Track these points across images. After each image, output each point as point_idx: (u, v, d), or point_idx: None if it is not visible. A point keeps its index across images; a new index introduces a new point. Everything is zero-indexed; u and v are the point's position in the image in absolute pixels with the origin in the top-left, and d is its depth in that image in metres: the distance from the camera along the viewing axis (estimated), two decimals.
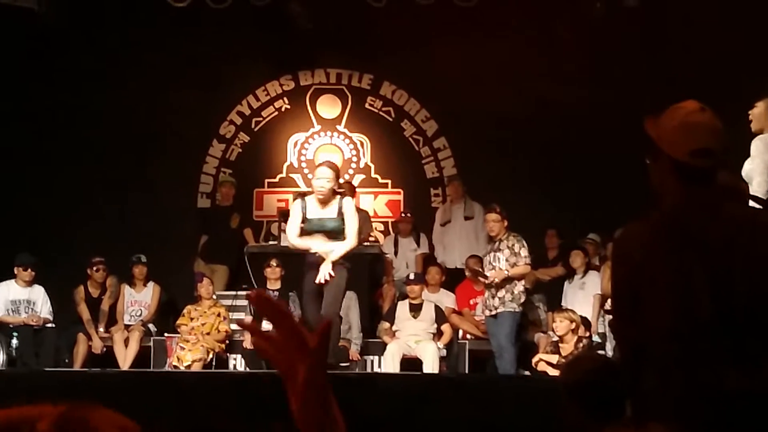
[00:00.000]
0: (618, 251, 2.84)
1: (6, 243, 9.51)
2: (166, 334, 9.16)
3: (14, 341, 8.59)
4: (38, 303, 9.10)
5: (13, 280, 9.10)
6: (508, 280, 8.35)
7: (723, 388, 2.52)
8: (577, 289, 9.02)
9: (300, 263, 9.37)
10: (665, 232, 2.68)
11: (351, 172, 11.18)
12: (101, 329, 9.36)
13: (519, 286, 8.42)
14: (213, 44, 10.58)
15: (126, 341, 9.16)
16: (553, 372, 7.42)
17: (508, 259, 8.38)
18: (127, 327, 9.34)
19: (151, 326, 9.47)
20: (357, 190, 10.39)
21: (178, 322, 9.05)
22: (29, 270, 9.08)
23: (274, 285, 9.21)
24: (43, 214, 10.17)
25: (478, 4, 9.88)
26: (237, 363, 9.13)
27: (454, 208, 10.29)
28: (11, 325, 8.77)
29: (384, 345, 8.76)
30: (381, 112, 11.23)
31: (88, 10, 10.21)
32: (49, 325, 9.06)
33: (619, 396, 3.02)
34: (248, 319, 9.05)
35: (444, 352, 8.82)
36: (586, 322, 8.17)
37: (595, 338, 8.38)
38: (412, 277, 9.17)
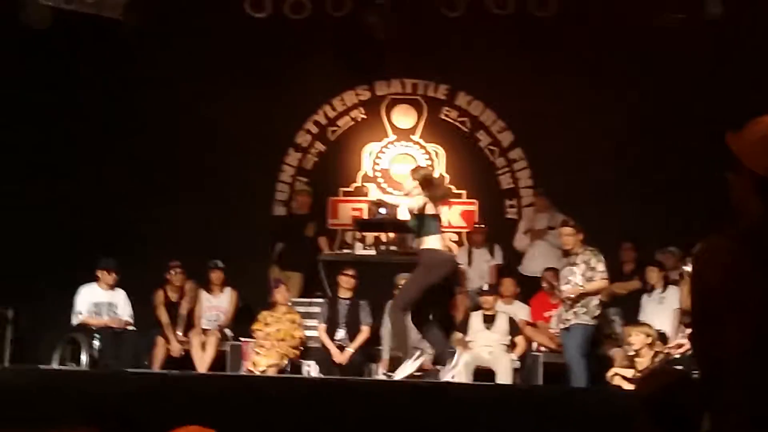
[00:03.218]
0: (698, 267, 2.81)
1: (88, 247, 9.74)
2: (242, 339, 9.29)
3: (96, 343, 8.78)
4: (119, 306, 9.31)
5: (95, 283, 9.30)
6: (583, 294, 8.28)
7: None
8: (656, 303, 8.90)
9: (372, 272, 9.49)
10: (746, 248, 2.65)
11: None
12: (179, 333, 9.54)
13: (594, 300, 8.34)
14: (291, 54, 10.72)
15: (203, 345, 9.32)
16: (628, 386, 7.33)
17: (584, 273, 8.30)
18: (204, 331, 9.50)
19: (227, 331, 9.61)
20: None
21: (253, 327, 9.18)
22: (112, 273, 9.28)
23: (346, 294, 9.30)
24: (124, 219, 10.39)
25: (556, 15, 9.83)
26: (311, 369, 9.22)
27: (539, 217, 10.26)
28: (93, 327, 8.96)
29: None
30: (456, 123, 11.25)
31: (169, 20, 10.43)
32: (130, 327, 9.25)
33: (695, 411, 2.99)
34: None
35: (518, 364, 8.78)
36: (663, 337, 8.06)
37: (674, 353, 8.24)
38: (485, 288, 9.16)
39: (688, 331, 7.92)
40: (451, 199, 10.98)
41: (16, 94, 10.28)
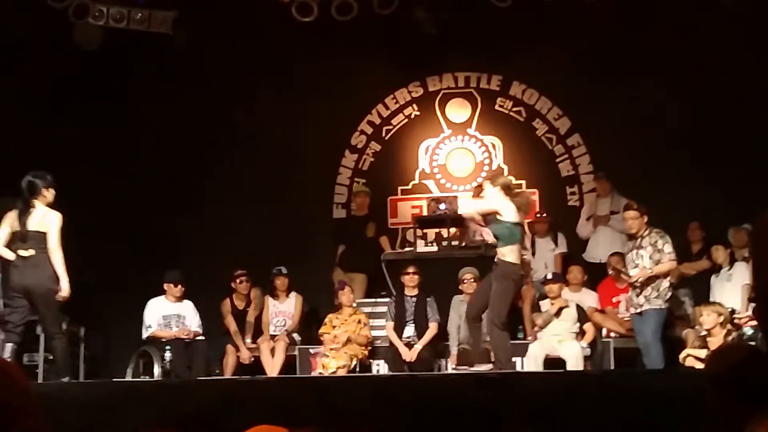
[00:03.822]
0: (756, 240, 2.73)
1: (155, 261, 9.87)
2: (309, 346, 9.31)
3: (167, 354, 8.87)
4: (188, 317, 9.39)
5: (163, 297, 9.40)
6: (653, 278, 8.14)
7: None
8: (725, 281, 8.74)
9: (436, 268, 9.46)
10: None
11: (484, 175, 11.12)
12: (248, 340, 9.62)
13: (665, 282, 8.20)
14: (340, 56, 10.74)
15: (272, 351, 9.38)
16: (701, 366, 7.20)
17: (651, 256, 8.18)
18: (272, 337, 9.57)
19: (295, 336, 9.66)
20: None
21: (320, 331, 9.21)
22: (179, 286, 9.36)
23: (411, 291, 9.28)
24: (186, 230, 10.51)
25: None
26: (380, 368, 9.22)
27: (600, 202, 10.14)
28: (164, 339, 9.05)
29: (526, 346, 8.69)
30: (512, 113, 11.15)
31: (218, 30, 10.52)
32: (200, 337, 9.33)
33: (766, 384, 2.90)
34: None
35: (588, 351, 8.68)
36: (734, 314, 7.89)
37: (747, 330, 8.06)
38: (549, 276, 9.07)
39: (753, 306, 7.76)
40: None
41: (73, 112, 10.46)
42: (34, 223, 7.55)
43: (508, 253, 7.58)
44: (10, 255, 7.58)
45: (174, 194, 10.65)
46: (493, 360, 7.75)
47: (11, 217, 7.62)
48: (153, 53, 10.35)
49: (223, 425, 5.22)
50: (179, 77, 10.68)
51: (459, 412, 5.71)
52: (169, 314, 9.34)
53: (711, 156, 10.01)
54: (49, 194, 7.68)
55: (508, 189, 7.75)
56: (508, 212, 7.58)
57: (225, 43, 10.64)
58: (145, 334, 9.23)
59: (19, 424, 1.79)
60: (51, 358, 8.41)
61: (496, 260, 7.70)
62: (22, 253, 7.52)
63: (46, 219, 7.57)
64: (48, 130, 10.28)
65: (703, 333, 7.80)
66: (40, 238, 7.52)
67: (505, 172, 11.01)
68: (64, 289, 7.52)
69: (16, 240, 7.56)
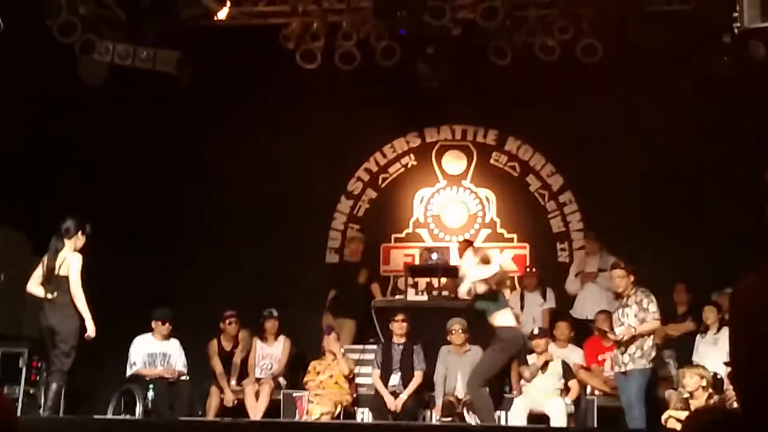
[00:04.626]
0: (736, 305, 2.81)
1: (142, 298, 9.87)
2: (295, 391, 9.29)
3: (150, 393, 8.79)
4: (174, 356, 9.36)
5: (150, 334, 9.38)
6: (637, 337, 8.20)
7: None
8: (710, 344, 8.79)
9: (425, 317, 9.51)
10: None
11: (477, 227, 11.24)
12: (233, 382, 9.59)
13: (649, 342, 8.25)
14: (341, 103, 10.88)
15: (257, 394, 9.35)
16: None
17: (637, 314, 8.23)
18: (258, 380, 9.54)
19: (281, 380, 9.64)
20: (483, 245, 10.46)
21: (305, 379, 9.18)
22: (166, 324, 9.35)
23: (399, 339, 9.30)
24: (177, 269, 10.54)
25: (602, 60, 9.84)
26: (364, 416, 9.21)
27: (589, 259, 10.23)
28: (148, 378, 9.00)
29: (511, 400, 8.71)
30: (506, 168, 11.28)
31: (221, 73, 10.65)
32: (184, 377, 9.30)
33: None
34: None
35: (572, 408, 8.70)
36: (717, 379, 7.93)
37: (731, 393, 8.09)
38: (536, 332, 9.12)
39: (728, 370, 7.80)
40: (503, 244, 11.02)
41: (73, 147, 10.55)
42: (58, 266, 7.84)
43: (500, 320, 8.11)
44: (41, 293, 7.87)
45: (167, 232, 10.70)
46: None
47: (44, 260, 7.95)
48: (156, 92, 10.45)
49: None
50: (180, 117, 10.79)
51: None
52: (154, 352, 9.32)
53: (700, 220, 10.11)
54: (80, 240, 8.00)
55: (486, 261, 8.24)
56: (491, 277, 8.14)
57: (227, 85, 10.77)
58: (129, 372, 9.19)
59: None
60: (32, 392, 8.45)
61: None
62: (48, 296, 7.82)
63: (66, 261, 7.86)
64: (42, 161, 10.35)
65: (686, 395, 7.84)
66: (63, 281, 7.79)
67: (498, 226, 11.14)
68: (90, 329, 7.79)
69: (45, 282, 7.89)
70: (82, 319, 7.77)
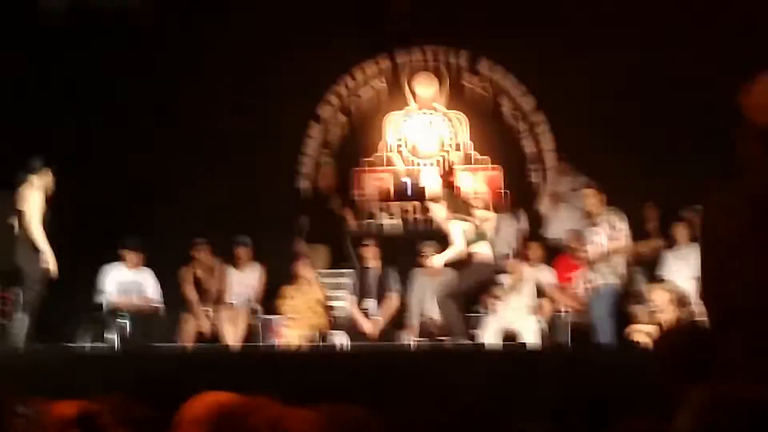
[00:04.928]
0: (704, 222, 2.82)
1: (111, 227, 9.80)
2: (271, 317, 9.33)
3: (125, 322, 8.84)
4: (147, 285, 9.35)
5: (121, 263, 9.34)
6: (607, 255, 8.29)
7: None
8: (679, 260, 8.88)
9: (398, 241, 9.55)
10: (750, 206, 2.65)
11: (448, 149, 11.21)
12: (208, 309, 9.62)
13: (618, 259, 8.35)
14: (309, 26, 10.71)
15: (233, 321, 9.38)
16: (649, 342, 7.36)
17: (607, 233, 8.32)
18: (233, 307, 9.57)
19: (256, 306, 9.68)
20: (455, 167, 10.46)
21: (278, 303, 9.23)
22: (137, 252, 9.33)
23: (373, 264, 9.33)
24: (147, 199, 10.46)
25: None
26: (342, 341, 9.28)
27: (562, 180, 10.25)
28: (121, 307, 9.03)
29: (483, 320, 8.81)
30: (478, 89, 11.22)
31: (185, 3, 10.44)
32: (158, 306, 9.32)
33: (708, 360, 3.01)
34: None
35: (545, 326, 8.82)
36: (684, 294, 8.05)
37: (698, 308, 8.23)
38: (509, 252, 9.19)
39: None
40: (476, 166, 11.02)
41: (33, 88, 10.37)
42: (20, 201, 8.10)
43: (479, 250, 7.99)
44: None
45: (136, 161, 10.59)
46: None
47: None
48: (117, 29, 10.26)
49: (179, 394, 5.25)
50: (141, 51, 10.60)
51: (419, 384, 5.81)
52: (127, 281, 9.29)
53: (672, 137, 10.12)
54: (47, 176, 8.29)
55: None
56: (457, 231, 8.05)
57: (190, 16, 10.57)
58: (101, 301, 9.16)
59: None
60: (4, 324, 8.48)
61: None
62: (15, 231, 8.08)
63: (24, 196, 8.11)
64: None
65: (653, 310, 7.97)
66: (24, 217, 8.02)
67: (470, 148, 11.12)
68: (51, 267, 8.05)
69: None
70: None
